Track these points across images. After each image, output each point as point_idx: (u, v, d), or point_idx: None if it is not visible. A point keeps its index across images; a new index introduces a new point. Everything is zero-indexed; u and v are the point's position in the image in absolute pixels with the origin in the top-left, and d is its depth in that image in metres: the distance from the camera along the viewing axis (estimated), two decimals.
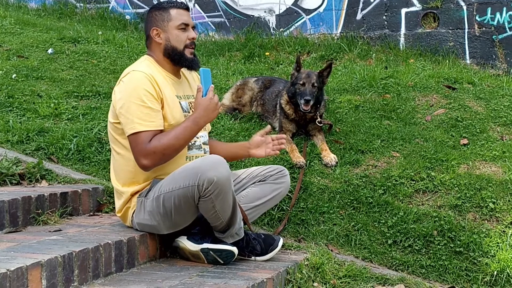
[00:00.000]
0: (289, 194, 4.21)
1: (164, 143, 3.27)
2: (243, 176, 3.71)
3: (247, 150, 3.70)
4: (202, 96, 3.36)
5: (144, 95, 3.28)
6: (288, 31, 8.15)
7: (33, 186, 4.03)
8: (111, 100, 5.42)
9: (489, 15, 6.97)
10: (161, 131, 3.32)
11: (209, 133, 3.78)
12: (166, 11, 3.48)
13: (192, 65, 3.52)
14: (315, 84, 4.76)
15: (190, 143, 3.44)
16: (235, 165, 4.58)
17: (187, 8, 3.55)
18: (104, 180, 4.34)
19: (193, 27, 3.54)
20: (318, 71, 4.90)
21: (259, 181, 3.67)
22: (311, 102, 4.70)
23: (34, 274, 2.58)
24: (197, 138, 3.49)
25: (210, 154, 3.64)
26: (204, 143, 3.58)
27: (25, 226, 3.47)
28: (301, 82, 4.76)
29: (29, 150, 4.61)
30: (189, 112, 3.49)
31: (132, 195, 3.43)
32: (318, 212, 4.25)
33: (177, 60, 3.49)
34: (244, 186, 3.68)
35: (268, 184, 3.66)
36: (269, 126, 3.82)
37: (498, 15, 6.92)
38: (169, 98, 3.39)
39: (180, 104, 3.47)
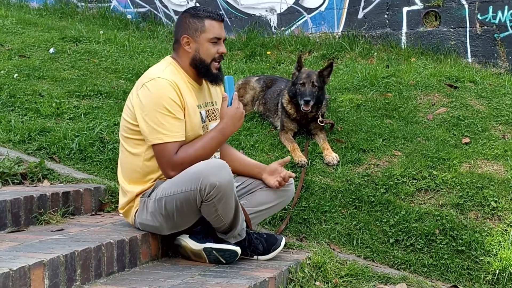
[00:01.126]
0: None
1: (192, 154, 3.27)
2: (249, 181, 3.68)
3: (261, 173, 3.64)
4: (228, 105, 3.36)
5: (170, 104, 3.25)
6: (289, 30, 8.15)
7: (35, 186, 4.03)
8: (113, 100, 5.54)
9: (490, 13, 6.96)
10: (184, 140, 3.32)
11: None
12: (201, 21, 3.41)
13: (216, 80, 3.49)
14: (315, 84, 4.75)
15: None
16: None
17: (222, 20, 3.49)
18: (106, 179, 4.34)
19: (224, 40, 3.50)
20: (318, 70, 4.90)
21: (265, 187, 3.66)
22: (311, 103, 4.70)
23: (36, 273, 2.58)
24: None
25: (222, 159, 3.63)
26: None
27: (27, 226, 3.47)
28: (301, 82, 4.76)
29: (31, 149, 4.61)
30: (206, 122, 3.48)
31: (137, 195, 3.43)
32: (320, 211, 4.25)
33: (202, 72, 3.45)
34: (250, 191, 3.66)
35: (273, 191, 3.64)
36: (288, 157, 3.76)
37: (499, 13, 6.91)
38: (191, 108, 3.36)
39: (200, 114, 3.45)
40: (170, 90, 3.27)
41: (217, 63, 3.46)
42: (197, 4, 8.78)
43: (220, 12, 8.57)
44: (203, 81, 3.55)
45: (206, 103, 3.54)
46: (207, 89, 3.59)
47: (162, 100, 3.25)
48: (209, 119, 3.51)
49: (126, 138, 3.43)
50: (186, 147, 3.29)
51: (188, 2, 8.85)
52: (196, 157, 3.27)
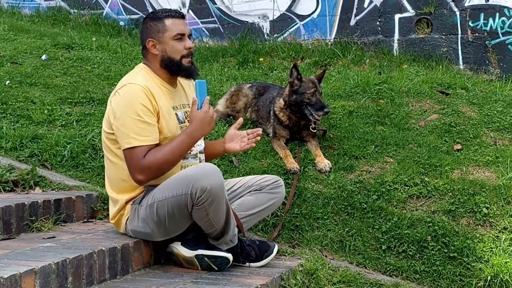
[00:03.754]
0: (283, 200, 4.19)
1: (160, 158, 3.27)
2: (239, 185, 3.71)
3: (223, 144, 3.69)
4: (198, 109, 3.36)
5: (140, 109, 3.26)
6: (282, 37, 8.17)
7: (26, 193, 4.02)
8: (105, 107, 5.50)
9: (482, 20, 7.00)
10: (157, 145, 3.31)
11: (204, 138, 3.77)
12: (161, 22, 3.43)
13: (191, 74, 3.49)
14: (321, 92, 4.82)
15: None
16: (229, 171, 4.58)
17: (182, 16, 3.50)
18: (98, 186, 4.33)
19: (190, 35, 3.50)
20: (316, 77, 4.93)
21: (255, 190, 3.67)
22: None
23: (27, 281, 2.57)
24: (194, 147, 3.48)
25: None
26: (200, 152, 3.57)
27: (18, 233, 3.46)
28: (310, 92, 4.75)
29: (23, 156, 4.60)
30: (184, 122, 3.48)
31: (127, 202, 3.43)
32: (312, 218, 4.26)
33: (175, 70, 3.45)
34: (240, 195, 3.68)
35: (263, 194, 3.66)
36: (241, 119, 3.75)
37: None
38: (165, 111, 3.37)
39: (177, 115, 3.45)
40: (140, 95, 3.28)
41: (188, 58, 3.46)
42: (190, 11, 8.80)
43: (213, 18, 8.64)
44: (178, 84, 3.56)
45: (182, 104, 3.54)
46: (182, 91, 3.60)
47: (132, 105, 3.26)
48: (188, 120, 3.49)
49: (108, 148, 3.44)
50: (155, 151, 3.28)
51: (181, 9, 8.87)
52: (164, 161, 3.27)
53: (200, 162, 3.55)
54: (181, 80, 3.59)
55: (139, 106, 3.26)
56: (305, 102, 4.78)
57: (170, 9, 3.54)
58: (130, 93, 3.29)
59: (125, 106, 3.28)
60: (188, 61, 3.46)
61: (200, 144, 3.58)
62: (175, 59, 3.43)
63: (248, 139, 3.67)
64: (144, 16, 3.83)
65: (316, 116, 4.75)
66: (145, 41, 3.47)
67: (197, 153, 3.54)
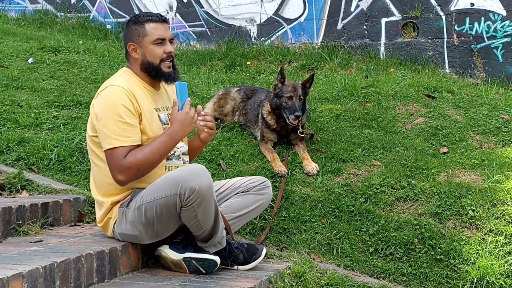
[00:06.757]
0: (271, 203, 4.21)
1: (140, 158, 3.27)
2: (226, 186, 3.72)
3: (199, 139, 3.62)
4: (178, 110, 3.37)
5: (122, 110, 3.27)
6: (269, 40, 8.18)
7: (13, 197, 4.00)
8: None
9: (467, 24, 7.05)
10: (138, 145, 3.32)
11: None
12: (141, 26, 3.45)
13: (169, 79, 3.50)
14: (301, 98, 4.79)
15: (169, 154, 3.44)
16: (217, 174, 4.59)
17: (164, 21, 3.51)
18: (86, 190, 4.31)
19: (171, 40, 3.51)
20: (301, 82, 4.93)
21: (242, 192, 3.68)
22: (301, 117, 4.73)
23: (15, 285, 2.56)
24: (177, 148, 3.49)
25: None
26: (183, 154, 3.58)
27: (5, 237, 3.44)
28: (287, 96, 4.77)
29: (10, 160, 4.57)
30: (167, 124, 3.48)
31: (113, 204, 3.43)
32: (300, 221, 4.27)
33: (154, 74, 3.47)
34: (227, 196, 3.68)
35: (251, 195, 3.67)
36: (199, 107, 3.64)
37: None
38: (147, 112, 3.38)
39: (159, 116, 3.46)
40: (122, 96, 3.30)
41: (168, 62, 3.47)
42: (177, 15, 8.80)
43: (200, 22, 8.65)
44: (161, 86, 3.58)
45: (165, 107, 3.56)
46: (165, 94, 3.62)
47: (114, 106, 3.28)
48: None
49: (92, 152, 3.45)
50: (135, 151, 3.29)
51: (168, 12, 8.86)
52: (144, 161, 3.27)
53: (184, 163, 3.55)
54: (164, 84, 3.59)
55: (121, 107, 3.27)
56: (282, 106, 4.80)
57: (152, 13, 3.55)
58: (112, 95, 3.31)
59: (107, 108, 3.29)
60: (168, 66, 3.47)
61: (183, 146, 3.58)
62: (154, 64, 3.45)
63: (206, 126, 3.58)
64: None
65: (290, 119, 4.75)
66: (127, 44, 3.49)
67: (180, 154, 3.55)
